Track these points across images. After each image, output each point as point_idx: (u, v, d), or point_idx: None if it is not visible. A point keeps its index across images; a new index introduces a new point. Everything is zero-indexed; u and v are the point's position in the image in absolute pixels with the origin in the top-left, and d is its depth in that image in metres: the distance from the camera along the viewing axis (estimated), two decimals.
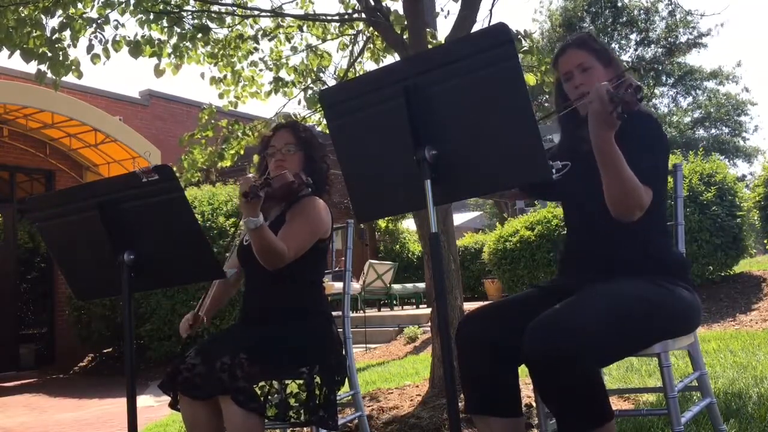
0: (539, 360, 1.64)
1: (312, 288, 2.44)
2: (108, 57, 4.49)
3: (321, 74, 5.55)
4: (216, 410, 2.07)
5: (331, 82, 5.66)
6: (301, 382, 2.18)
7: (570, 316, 1.67)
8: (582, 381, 1.62)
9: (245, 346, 2.11)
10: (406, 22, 4.10)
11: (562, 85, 2.09)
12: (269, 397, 2.09)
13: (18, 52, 4.21)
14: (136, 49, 4.53)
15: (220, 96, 5.53)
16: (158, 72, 4.87)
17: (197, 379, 2.09)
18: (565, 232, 2.18)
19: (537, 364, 1.65)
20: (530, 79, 4.77)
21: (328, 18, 4.91)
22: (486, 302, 2.29)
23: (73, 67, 4.42)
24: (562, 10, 24.68)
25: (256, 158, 3.07)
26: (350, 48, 5.59)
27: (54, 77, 4.40)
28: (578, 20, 24.21)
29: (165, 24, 4.65)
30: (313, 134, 2.56)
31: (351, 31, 5.44)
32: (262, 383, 2.09)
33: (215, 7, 4.76)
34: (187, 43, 4.79)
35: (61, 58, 4.32)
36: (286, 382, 2.16)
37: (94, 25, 4.40)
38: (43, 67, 4.33)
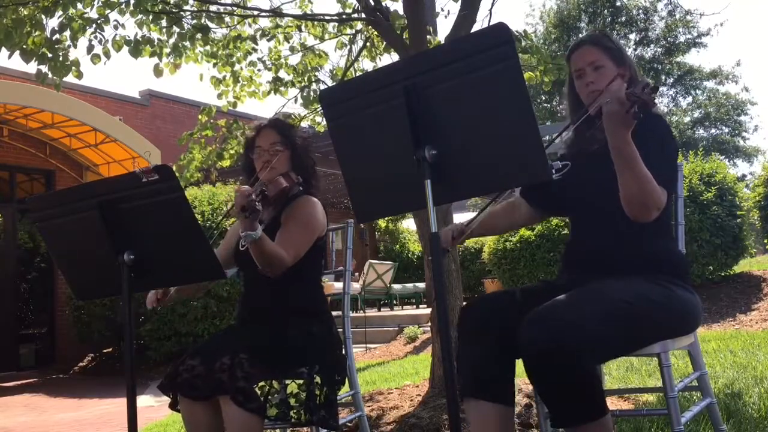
0: (535, 352, 1.64)
1: (311, 287, 2.43)
2: (108, 57, 4.48)
3: (317, 73, 5.53)
4: (216, 411, 2.07)
5: (328, 81, 5.64)
6: (301, 382, 2.18)
7: (569, 310, 1.67)
8: (578, 375, 1.62)
9: (245, 345, 2.11)
10: (405, 22, 4.10)
11: (574, 82, 2.09)
12: (269, 397, 2.09)
13: (18, 52, 4.20)
14: (135, 49, 4.53)
15: (219, 96, 5.53)
16: (158, 72, 4.87)
17: (197, 380, 2.09)
18: (567, 231, 2.18)
19: (533, 356, 1.65)
20: (530, 77, 4.77)
21: (327, 18, 4.90)
22: None
23: (73, 68, 4.42)
24: (556, 11, 24.66)
25: None
26: (348, 48, 5.58)
27: (55, 78, 4.40)
28: (574, 20, 24.20)
29: (164, 24, 4.64)
30: (297, 131, 2.54)
31: (349, 31, 5.43)
32: (262, 383, 2.09)
33: (214, 7, 4.76)
34: (186, 43, 4.79)
35: (61, 59, 4.32)
36: (286, 381, 2.16)
37: (94, 26, 4.40)
38: (44, 68, 4.33)
